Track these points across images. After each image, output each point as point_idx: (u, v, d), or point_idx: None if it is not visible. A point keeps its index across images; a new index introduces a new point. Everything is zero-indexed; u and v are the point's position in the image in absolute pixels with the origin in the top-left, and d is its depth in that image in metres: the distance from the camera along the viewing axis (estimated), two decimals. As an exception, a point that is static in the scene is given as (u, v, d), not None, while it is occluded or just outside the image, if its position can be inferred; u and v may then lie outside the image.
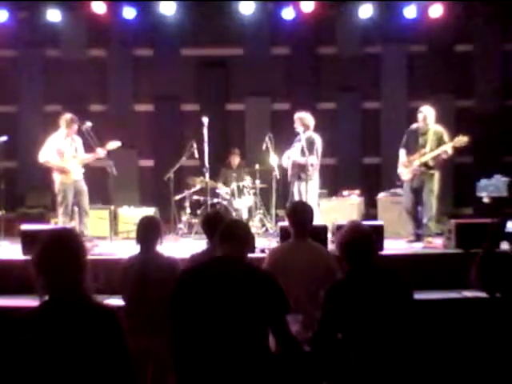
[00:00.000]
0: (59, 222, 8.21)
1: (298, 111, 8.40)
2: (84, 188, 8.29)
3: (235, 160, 10.09)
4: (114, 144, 8.39)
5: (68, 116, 8.26)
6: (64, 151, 8.21)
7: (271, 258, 4.63)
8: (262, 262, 4.64)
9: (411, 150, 8.17)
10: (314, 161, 8.13)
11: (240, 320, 2.98)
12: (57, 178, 8.21)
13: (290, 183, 8.44)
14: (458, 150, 8.18)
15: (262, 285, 3.07)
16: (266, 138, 8.64)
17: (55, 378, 2.44)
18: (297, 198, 8.23)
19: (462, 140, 7.84)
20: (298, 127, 8.26)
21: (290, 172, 8.43)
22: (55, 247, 2.54)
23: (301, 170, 8.23)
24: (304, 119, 8.29)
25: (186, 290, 3.07)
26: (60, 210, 8.19)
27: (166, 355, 4.21)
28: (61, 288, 2.52)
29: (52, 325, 2.47)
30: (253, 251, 3.35)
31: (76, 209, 8.30)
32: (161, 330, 4.17)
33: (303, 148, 8.10)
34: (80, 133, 8.34)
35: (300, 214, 4.66)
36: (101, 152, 8.24)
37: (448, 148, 7.91)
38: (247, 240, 3.29)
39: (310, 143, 8.18)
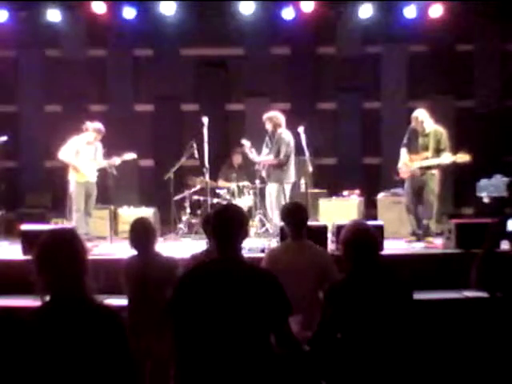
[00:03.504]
0: (73, 219, 8.36)
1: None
2: (94, 191, 8.57)
3: (238, 159, 10.07)
4: (131, 155, 8.76)
5: (97, 125, 8.57)
6: (81, 154, 8.46)
7: (269, 259, 4.64)
8: (261, 262, 4.66)
9: (412, 149, 8.17)
10: (270, 159, 8.16)
11: (243, 321, 2.96)
12: (72, 177, 8.45)
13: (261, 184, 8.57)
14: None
15: (265, 286, 3.05)
16: (244, 143, 8.73)
17: (58, 378, 2.44)
18: (268, 198, 8.28)
19: (464, 157, 7.81)
20: (268, 127, 8.29)
21: (264, 173, 8.50)
22: (55, 247, 2.53)
23: (269, 170, 8.28)
24: (273, 118, 8.29)
25: (187, 291, 3.05)
26: (73, 209, 8.39)
27: (166, 355, 4.22)
28: (62, 288, 2.51)
29: (54, 325, 2.46)
30: (247, 234, 3.23)
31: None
32: (160, 330, 4.17)
33: (270, 148, 8.20)
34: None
35: (294, 214, 4.68)
36: (116, 160, 8.57)
37: (449, 161, 7.88)
38: (239, 229, 3.14)
39: (276, 143, 8.21)
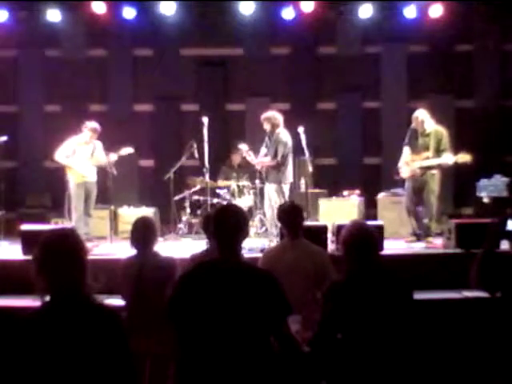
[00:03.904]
0: (72, 219, 8.39)
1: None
2: (93, 190, 8.56)
3: (237, 159, 10.06)
4: (128, 150, 8.69)
5: (93, 124, 8.54)
6: (78, 153, 8.47)
7: (265, 259, 4.65)
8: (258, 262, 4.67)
9: (413, 149, 8.17)
10: (267, 160, 8.14)
11: (242, 322, 2.96)
12: (70, 178, 8.48)
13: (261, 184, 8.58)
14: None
15: (264, 286, 3.05)
16: (241, 148, 8.75)
17: (58, 378, 2.44)
18: (266, 198, 8.27)
19: (465, 158, 7.81)
20: (267, 127, 8.27)
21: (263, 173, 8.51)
22: (56, 247, 2.53)
23: (267, 171, 8.27)
24: (271, 118, 8.26)
25: (186, 291, 3.05)
26: (72, 209, 8.43)
27: (164, 356, 4.23)
28: (62, 288, 2.51)
29: (54, 325, 2.46)
30: (247, 234, 3.24)
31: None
32: (158, 330, 4.17)
33: (268, 149, 8.19)
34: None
35: (290, 215, 4.69)
36: (113, 157, 8.51)
37: (450, 161, 7.89)
38: (239, 230, 3.15)
39: (273, 143, 8.19)
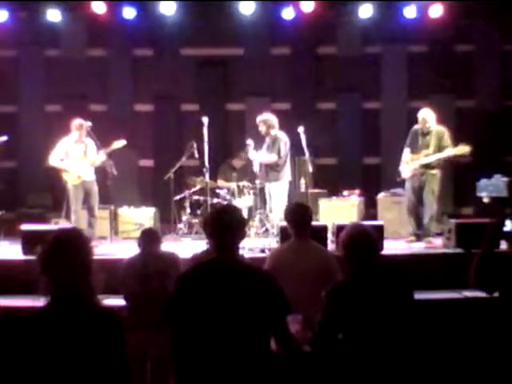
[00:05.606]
0: (72, 221, 8.36)
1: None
2: (93, 189, 8.49)
3: (238, 164, 10.05)
4: (120, 143, 8.55)
5: (77, 121, 8.44)
6: (70, 154, 8.42)
7: (272, 259, 4.64)
8: (262, 261, 4.67)
9: (414, 150, 8.19)
10: (273, 159, 8.14)
11: (240, 322, 2.97)
12: (67, 180, 8.43)
13: (261, 184, 8.55)
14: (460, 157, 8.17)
15: (262, 285, 3.06)
16: (247, 144, 8.74)
17: (56, 378, 2.44)
18: (268, 199, 8.27)
19: (464, 149, 7.85)
20: (262, 129, 8.30)
21: (258, 173, 8.47)
22: (63, 247, 2.52)
23: (267, 170, 8.27)
24: (267, 120, 8.31)
25: (186, 292, 3.06)
26: (71, 209, 8.39)
27: (166, 351, 4.23)
28: (65, 288, 2.50)
29: (53, 326, 2.46)
30: (244, 235, 3.27)
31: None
32: (161, 325, 4.18)
33: (267, 148, 8.20)
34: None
35: (299, 215, 4.68)
36: (105, 152, 8.44)
37: (450, 154, 7.92)
38: (236, 230, 3.17)
39: (273, 143, 8.21)
